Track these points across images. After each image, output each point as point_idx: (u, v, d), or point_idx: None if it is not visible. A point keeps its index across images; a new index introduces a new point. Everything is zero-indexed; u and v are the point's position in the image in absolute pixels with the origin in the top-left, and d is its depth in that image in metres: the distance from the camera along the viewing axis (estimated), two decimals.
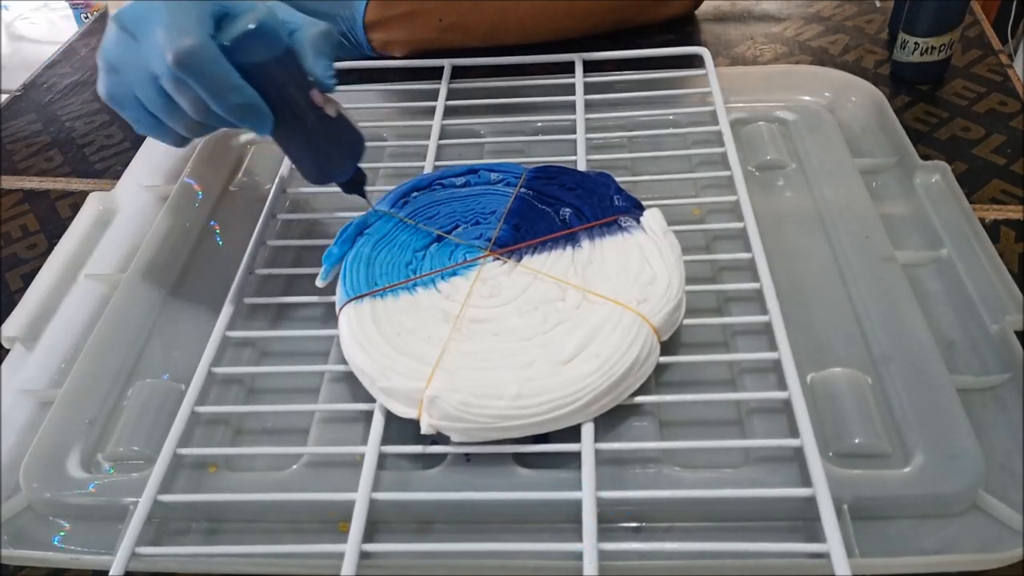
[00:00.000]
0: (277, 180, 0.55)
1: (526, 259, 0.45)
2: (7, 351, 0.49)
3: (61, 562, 0.39)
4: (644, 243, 0.45)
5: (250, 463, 0.42)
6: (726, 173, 0.52)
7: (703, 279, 0.48)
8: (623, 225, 0.46)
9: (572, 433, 0.39)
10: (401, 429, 0.40)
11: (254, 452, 0.42)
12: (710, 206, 0.52)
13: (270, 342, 0.47)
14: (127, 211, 0.58)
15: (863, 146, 0.57)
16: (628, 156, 0.56)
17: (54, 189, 0.63)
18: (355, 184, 0.47)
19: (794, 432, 0.38)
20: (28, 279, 0.52)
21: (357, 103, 0.63)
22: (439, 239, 0.46)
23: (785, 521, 0.38)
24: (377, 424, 0.40)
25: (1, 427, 0.44)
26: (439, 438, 0.40)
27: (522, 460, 0.40)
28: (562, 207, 0.47)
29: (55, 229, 0.59)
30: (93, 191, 0.59)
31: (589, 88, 0.61)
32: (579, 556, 0.34)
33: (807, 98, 0.61)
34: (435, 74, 0.64)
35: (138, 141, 0.63)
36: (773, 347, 0.42)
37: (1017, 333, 0.43)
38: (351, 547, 0.35)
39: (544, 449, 0.39)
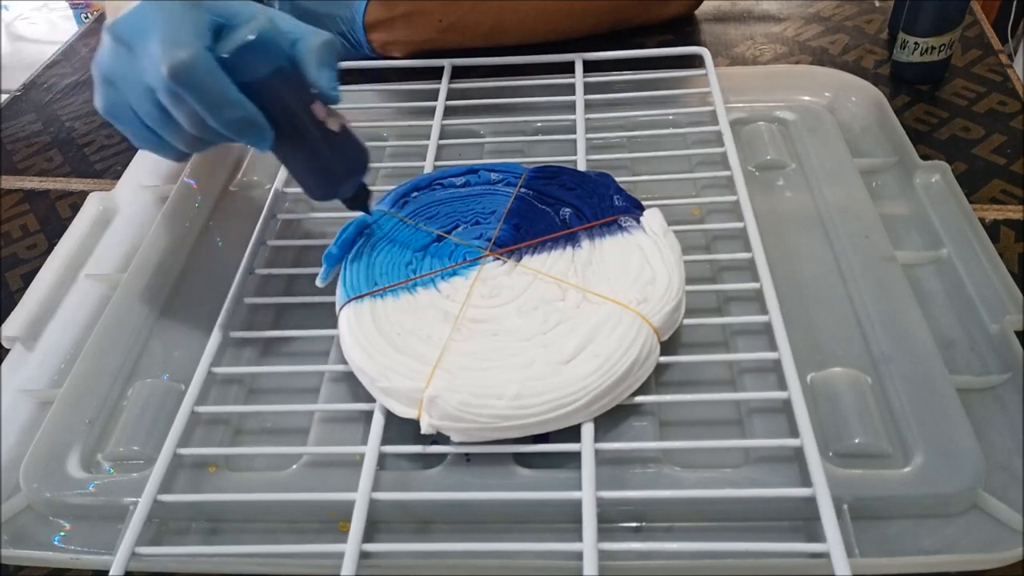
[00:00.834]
0: (277, 180, 0.55)
1: (526, 259, 0.45)
2: (7, 351, 0.49)
3: (61, 562, 0.39)
4: (644, 243, 0.45)
5: (250, 463, 0.42)
6: (726, 173, 0.52)
7: (703, 279, 0.48)
8: (623, 225, 0.46)
9: (572, 433, 0.39)
10: (401, 429, 0.40)
11: (254, 452, 0.42)
12: (710, 206, 0.52)
13: (270, 342, 0.47)
14: (127, 211, 0.58)
15: (863, 146, 0.57)
16: (628, 156, 0.56)
17: (54, 189, 0.63)
18: (359, 200, 0.45)
19: (794, 432, 0.38)
20: (28, 279, 0.52)
21: (357, 103, 0.63)
22: (439, 239, 0.46)
23: (785, 521, 0.38)
24: (377, 424, 0.40)
25: (1, 427, 0.44)
26: (439, 438, 0.40)
27: (522, 460, 0.40)
28: (562, 207, 0.47)
29: (55, 229, 0.59)
30: (93, 191, 0.59)
31: (589, 88, 0.61)
32: (579, 556, 0.34)
33: (807, 98, 0.61)
34: (435, 74, 0.64)
35: None
36: (773, 347, 0.42)
37: (1017, 333, 0.43)
38: (351, 547, 0.35)
39: (544, 449, 0.39)
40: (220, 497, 0.39)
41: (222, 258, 0.52)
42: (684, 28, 0.74)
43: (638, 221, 0.46)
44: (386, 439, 0.40)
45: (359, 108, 0.63)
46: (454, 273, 0.44)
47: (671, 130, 0.58)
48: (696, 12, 0.76)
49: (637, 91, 0.60)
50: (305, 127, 0.41)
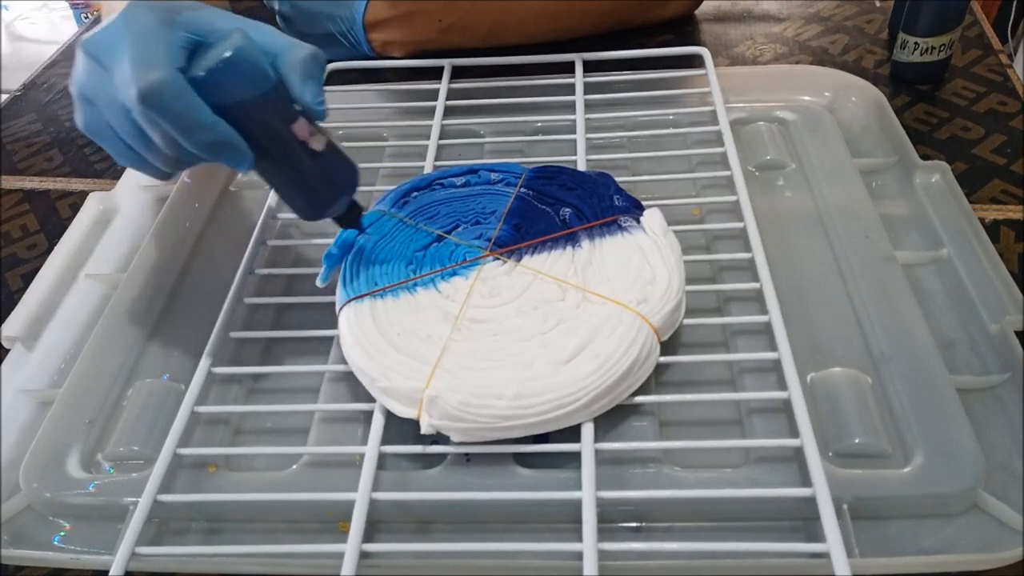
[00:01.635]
0: None
1: (526, 259, 0.45)
2: (7, 351, 0.49)
3: (61, 562, 0.39)
4: (644, 243, 0.45)
5: (250, 463, 0.42)
6: (726, 173, 0.52)
7: (703, 279, 0.48)
8: (623, 225, 0.46)
9: (572, 433, 0.39)
10: (401, 429, 0.40)
11: (254, 452, 0.42)
12: (710, 206, 0.52)
13: (270, 342, 0.47)
14: (127, 211, 0.58)
15: (863, 146, 0.57)
16: (628, 156, 0.56)
17: (54, 189, 0.63)
18: (349, 218, 0.43)
19: (794, 432, 0.38)
20: (28, 279, 0.52)
21: (357, 103, 0.63)
22: (439, 239, 0.46)
23: (785, 521, 0.38)
24: (377, 424, 0.40)
25: (1, 427, 0.44)
26: (439, 438, 0.40)
27: (522, 460, 0.40)
28: (562, 207, 0.47)
29: (55, 229, 0.59)
30: (93, 191, 0.59)
31: (589, 88, 0.61)
32: (579, 556, 0.34)
33: (807, 98, 0.61)
34: (435, 74, 0.64)
35: None
36: (773, 347, 0.42)
37: (1017, 333, 0.43)
38: (351, 547, 0.35)
39: (544, 449, 0.39)
40: (220, 497, 0.39)
41: (222, 258, 0.52)
42: (684, 28, 0.74)
43: (638, 221, 0.46)
44: (386, 439, 0.40)
45: (359, 108, 0.63)
46: (454, 273, 0.44)
47: (671, 130, 0.58)
48: (696, 12, 0.76)
49: (637, 91, 0.60)
50: (289, 147, 0.39)
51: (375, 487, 0.38)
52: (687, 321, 0.43)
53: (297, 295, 0.48)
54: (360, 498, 0.37)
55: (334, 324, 0.44)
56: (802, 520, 0.37)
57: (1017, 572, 0.36)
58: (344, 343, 0.42)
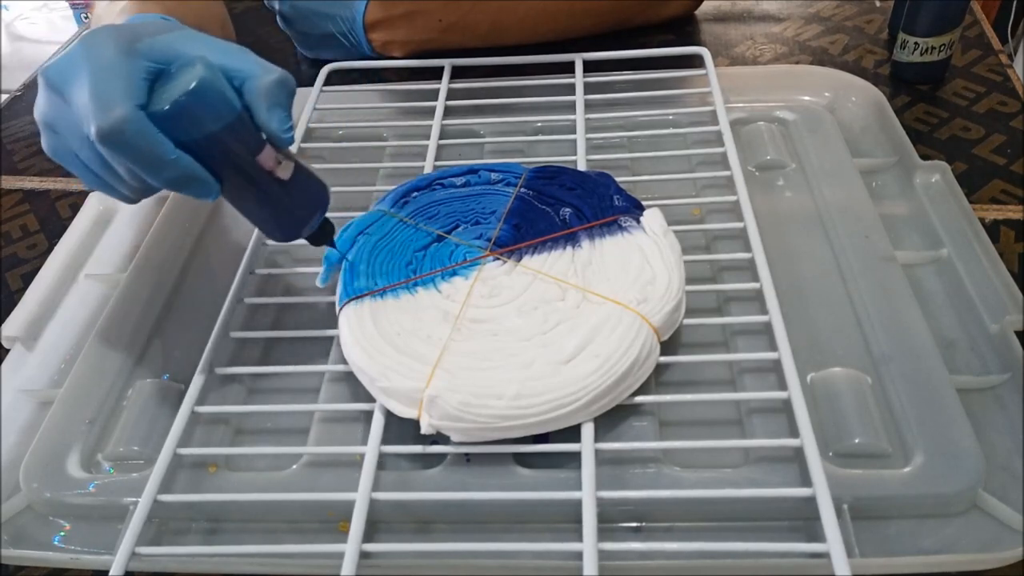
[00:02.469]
0: None
1: (526, 259, 0.45)
2: (7, 351, 0.49)
3: (61, 562, 0.39)
4: (644, 243, 0.45)
5: (250, 463, 0.42)
6: (726, 173, 0.52)
7: (703, 279, 0.48)
8: (623, 225, 0.46)
9: (572, 433, 0.39)
10: (401, 429, 0.40)
11: (254, 452, 0.42)
12: (710, 206, 0.52)
13: (270, 342, 0.47)
14: (127, 211, 0.58)
15: (863, 146, 0.57)
16: (628, 156, 0.56)
17: (54, 189, 0.63)
18: (322, 236, 0.43)
19: (794, 432, 0.38)
20: (28, 279, 0.52)
21: (357, 103, 0.63)
22: (439, 239, 0.46)
23: (785, 521, 0.38)
24: (377, 424, 0.40)
25: (1, 427, 0.44)
26: (439, 438, 0.40)
27: (522, 460, 0.40)
28: (562, 207, 0.47)
29: (55, 229, 0.59)
30: (93, 191, 0.59)
31: (589, 88, 0.61)
32: (579, 556, 0.34)
33: (807, 98, 0.61)
34: (435, 74, 0.64)
35: None
36: (773, 347, 0.42)
37: (1017, 333, 0.43)
38: (351, 547, 0.35)
39: (544, 449, 0.39)
40: (220, 497, 0.39)
41: (222, 258, 0.52)
42: (684, 28, 0.74)
43: (638, 221, 0.46)
44: (386, 439, 0.40)
45: (359, 108, 0.63)
46: (454, 273, 0.44)
47: (671, 130, 0.58)
48: (696, 12, 0.76)
49: (637, 91, 0.60)
50: (255, 176, 0.38)
51: (375, 487, 0.38)
52: (687, 321, 0.43)
53: (297, 295, 0.48)
54: (360, 498, 0.37)
55: (334, 324, 0.44)
56: (802, 520, 0.37)
57: (1017, 572, 0.36)
58: (344, 343, 0.42)
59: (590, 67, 0.63)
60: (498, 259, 0.45)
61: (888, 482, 0.38)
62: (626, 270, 0.43)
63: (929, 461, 0.38)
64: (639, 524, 0.38)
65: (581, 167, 0.53)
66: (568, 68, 0.63)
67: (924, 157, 0.54)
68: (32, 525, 0.40)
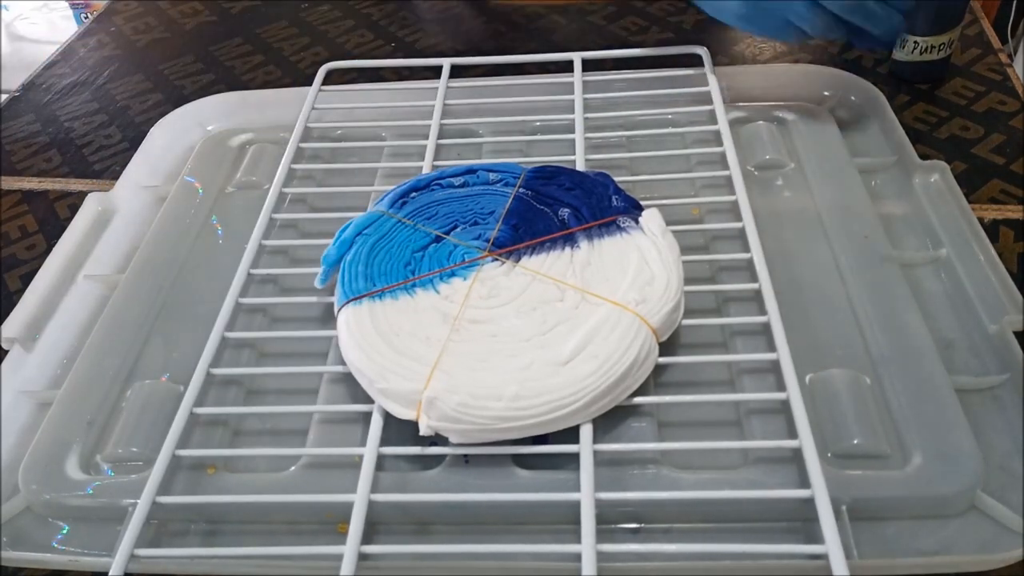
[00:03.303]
0: (276, 180, 0.55)
1: (524, 260, 0.45)
2: (6, 352, 0.49)
3: (60, 564, 0.39)
4: (643, 243, 0.45)
5: (249, 464, 0.42)
6: (725, 173, 0.52)
7: (702, 279, 0.48)
8: (622, 225, 0.46)
9: (571, 434, 0.39)
10: (400, 430, 0.40)
11: (253, 453, 0.42)
12: (709, 206, 0.52)
13: (269, 343, 0.47)
14: (126, 211, 0.58)
15: (862, 146, 0.57)
16: (627, 156, 0.56)
17: (53, 189, 0.63)
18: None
19: (793, 433, 0.38)
20: (27, 280, 0.52)
21: (355, 103, 0.63)
22: (438, 240, 0.46)
23: (784, 522, 0.38)
24: (376, 425, 0.40)
25: (1, 428, 0.44)
26: (438, 439, 0.39)
27: (521, 461, 0.40)
28: (560, 207, 0.47)
29: (54, 230, 0.59)
30: (92, 191, 0.59)
31: (588, 87, 0.60)
32: (578, 557, 0.34)
33: (806, 97, 0.61)
34: (434, 73, 0.64)
35: (137, 141, 0.63)
36: (772, 347, 0.42)
37: (1016, 333, 0.43)
38: (350, 549, 0.35)
39: (543, 450, 0.39)
40: (219, 499, 0.39)
41: (222, 258, 0.52)
42: (683, 27, 0.74)
43: (637, 221, 0.46)
44: (385, 440, 0.40)
45: (357, 108, 0.63)
46: (453, 274, 0.44)
47: (670, 129, 0.58)
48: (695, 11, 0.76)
49: (636, 90, 0.60)
50: None
51: (374, 488, 0.38)
52: (686, 322, 0.43)
53: (296, 296, 0.48)
54: (359, 499, 0.37)
55: (333, 325, 0.44)
56: (801, 521, 0.37)
57: (1016, 573, 0.36)
58: (343, 344, 0.42)
59: (589, 66, 0.63)
60: (497, 260, 0.45)
61: (887, 483, 0.38)
62: (625, 271, 0.43)
63: (928, 462, 0.38)
64: (638, 525, 0.38)
65: (580, 166, 0.53)
66: (567, 67, 0.63)
67: (923, 157, 0.54)
68: (31, 527, 0.40)
